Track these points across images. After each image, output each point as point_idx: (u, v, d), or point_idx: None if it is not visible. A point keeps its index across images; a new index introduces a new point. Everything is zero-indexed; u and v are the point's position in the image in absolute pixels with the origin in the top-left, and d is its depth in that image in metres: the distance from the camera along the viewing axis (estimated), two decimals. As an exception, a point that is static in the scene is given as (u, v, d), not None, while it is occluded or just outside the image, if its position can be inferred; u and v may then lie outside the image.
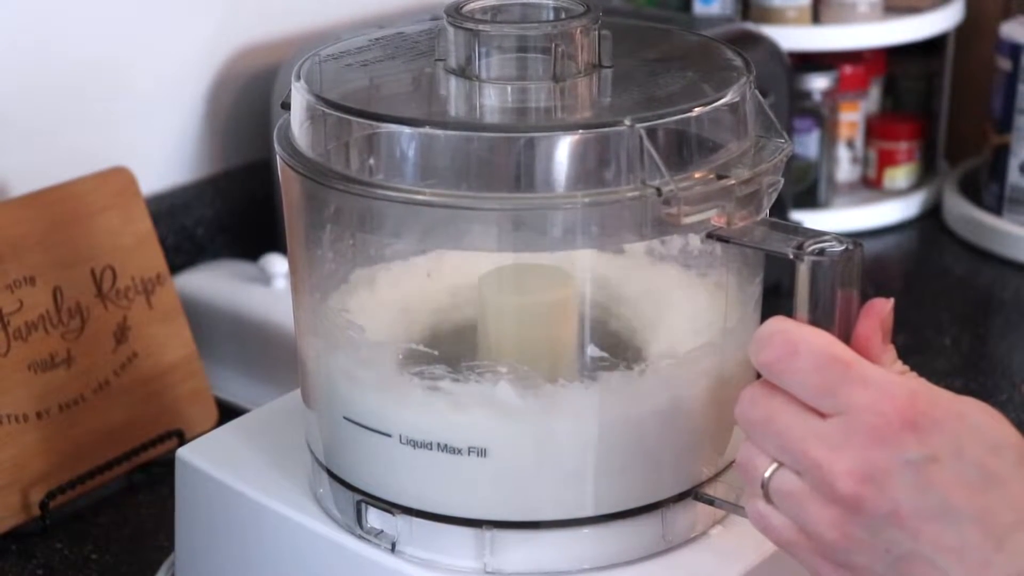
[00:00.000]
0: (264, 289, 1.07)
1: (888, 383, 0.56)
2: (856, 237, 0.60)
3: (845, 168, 1.45)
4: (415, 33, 0.74)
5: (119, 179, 0.99)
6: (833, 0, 1.38)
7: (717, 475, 0.69)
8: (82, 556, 0.88)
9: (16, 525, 0.90)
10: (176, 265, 1.12)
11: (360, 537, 0.68)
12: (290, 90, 0.68)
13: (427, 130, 0.62)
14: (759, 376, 0.59)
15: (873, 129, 1.47)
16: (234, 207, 1.21)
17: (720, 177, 0.62)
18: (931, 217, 1.45)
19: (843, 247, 0.59)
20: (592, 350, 0.68)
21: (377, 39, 0.73)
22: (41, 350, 0.93)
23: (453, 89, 0.67)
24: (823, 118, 1.39)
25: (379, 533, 0.68)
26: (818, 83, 1.38)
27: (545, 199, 0.62)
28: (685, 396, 0.66)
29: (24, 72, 1.06)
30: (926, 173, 1.49)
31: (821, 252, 0.59)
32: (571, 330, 0.69)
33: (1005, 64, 1.35)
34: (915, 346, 1.15)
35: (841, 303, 0.59)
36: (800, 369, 0.57)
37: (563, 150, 0.61)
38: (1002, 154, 1.36)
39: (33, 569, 0.87)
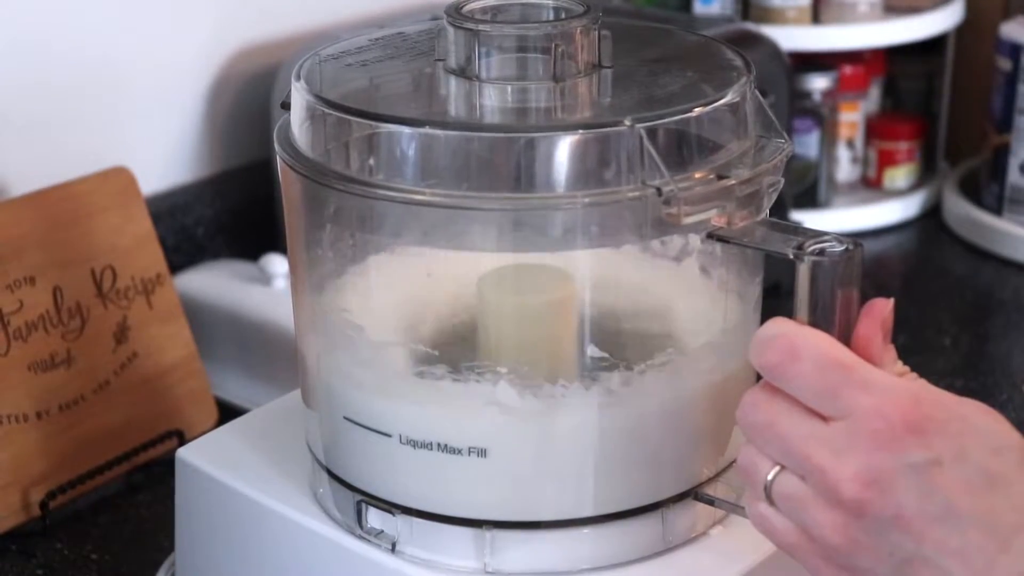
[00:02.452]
0: (264, 289, 1.07)
1: (890, 387, 0.56)
2: (856, 237, 0.60)
3: (845, 168, 1.45)
4: (415, 33, 0.74)
5: (119, 179, 0.99)
6: (833, 0, 1.38)
7: (717, 475, 0.69)
8: (82, 556, 0.88)
9: (16, 525, 0.90)
10: (176, 265, 1.12)
11: (360, 537, 0.68)
12: (290, 90, 0.68)
13: (427, 130, 0.62)
14: (759, 377, 0.59)
15: (873, 129, 1.47)
16: (234, 207, 1.21)
17: (720, 177, 0.62)
18: (931, 217, 1.45)
19: (843, 247, 0.59)
20: (592, 350, 0.68)
21: (377, 39, 0.73)
22: (41, 350, 0.93)
23: (453, 89, 0.67)
24: (823, 118, 1.39)
25: (379, 533, 0.68)
26: (818, 83, 1.38)
27: (545, 199, 0.62)
28: (685, 396, 0.66)
29: (24, 72, 1.06)
30: (926, 173, 1.49)
31: (821, 252, 0.59)
32: (571, 330, 0.69)
33: (1005, 64, 1.35)
34: (915, 346, 1.15)
35: (841, 303, 0.59)
36: (802, 372, 0.57)
37: (563, 150, 0.61)
38: (1002, 154, 1.37)
39: (33, 569, 0.87)
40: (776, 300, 0.71)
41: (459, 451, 0.65)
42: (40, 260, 0.94)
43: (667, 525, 0.67)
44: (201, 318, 1.06)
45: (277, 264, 1.07)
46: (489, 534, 0.66)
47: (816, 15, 1.38)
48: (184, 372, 1.01)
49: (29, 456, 0.91)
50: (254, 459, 0.74)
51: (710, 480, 0.68)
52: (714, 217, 0.62)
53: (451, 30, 0.67)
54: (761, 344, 0.58)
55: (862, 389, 0.56)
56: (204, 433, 0.80)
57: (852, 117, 1.44)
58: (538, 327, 0.69)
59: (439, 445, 0.65)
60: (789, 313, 0.60)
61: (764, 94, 0.69)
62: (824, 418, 0.57)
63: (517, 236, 0.63)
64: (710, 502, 0.68)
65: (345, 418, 0.68)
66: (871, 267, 1.32)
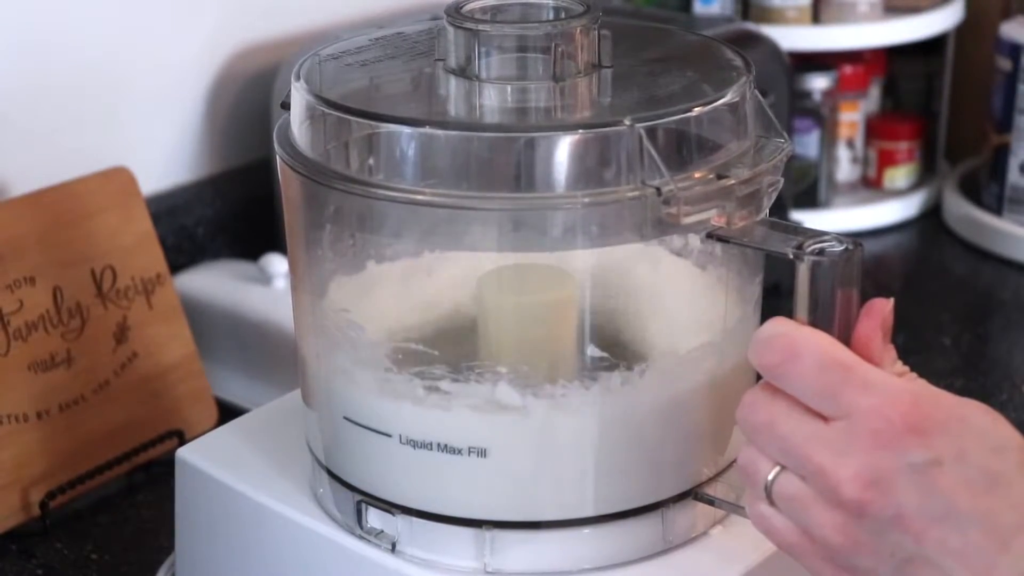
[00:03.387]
0: (264, 289, 1.07)
1: (890, 387, 0.56)
2: (856, 237, 0.60)
3: (845, 168, 1.45)
4: (415, 33, 0.74)
5: (119, 179, 0.99)
6: (833, 0, 1.38)
7: (717, 475, 0.69)
8: (82, 556, 0.88)
9: (16, 525, 0.90)
10: (176, 265, 1.12)
11: (360, 537, 0.68)
12: (290, 90, 0.68)
13: (427, 130, 0.62)
14: (759, 377, 0.59)
15: (873, 129, 1.47)
16: (234, 207, 1.21)
17: (720, 177, 0.62)
18: (931, 217, 1.45)
19: (843, 247, 0.59)
20: (592, 350, 0.68)
21: (377, 39, 0.73)
22: (41, 350, 0.93)
23: (453, 89, 0.67)
24: (823, 118, 1.39)
25: (379, 533, 0.68)
26: (818, 83, 1.38)
27: (545, 199, 0.62)
28: (685, 396, 0.66)
29: (24, 72, 1.06)
30: (926, 173, 1.49)
31: (821, 252, 0.59)
32: (571, 330, 0.69)
33: (1005, 64, 1.35)
34: (915, 346, 1.15)
35: (841, 303, 0.59)
36: (802, 373, 0.57)
37: (563, 150, 0.61)
38: (1002, 154, 1.37)
39: (33, 569, 0.87)
40: (776, 300, 0.71)
41: (459, 451, 0.65)
42: (40, 260, 0.94)
43: (667, 525, 0.67)
44: (201, 318, 1.06)
45: (277, 264, 1.07)
46: (489, 534, 0.66)
47: (816, 15, 1.38)
48: (184, 372, 1.01)
49: (29, 456, 0.91)
50: (254, 459, 0.74)
51: (710, 480, 0.68)
52: (714, 217, 0.62)
53: (451, 30, 0.67)
54: (761, 344, 0.58)
55: (862, 389, 0.56)
56: (204, 433, 0.80)
57: (852, 117, 1.44)
58: (538, 327, 0.69)
59: (439, 445, 0.65)
60: (789, 313, 0.60)
61: (764, 94, 0.69)
62: (824, 418, 0.57)
63: (517, 236, 0.63)
64: (710, 502, 0.68)
65: (345, 418, 0.68)
66: (871, 267, 1.32)
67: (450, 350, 0.69)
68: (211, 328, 1.06)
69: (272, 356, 1.03)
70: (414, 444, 0.65)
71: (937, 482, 0.55)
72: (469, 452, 0.65)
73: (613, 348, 0.69)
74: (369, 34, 0.74)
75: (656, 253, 0.74)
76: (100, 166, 1.00)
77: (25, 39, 1.06)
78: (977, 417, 0.56)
